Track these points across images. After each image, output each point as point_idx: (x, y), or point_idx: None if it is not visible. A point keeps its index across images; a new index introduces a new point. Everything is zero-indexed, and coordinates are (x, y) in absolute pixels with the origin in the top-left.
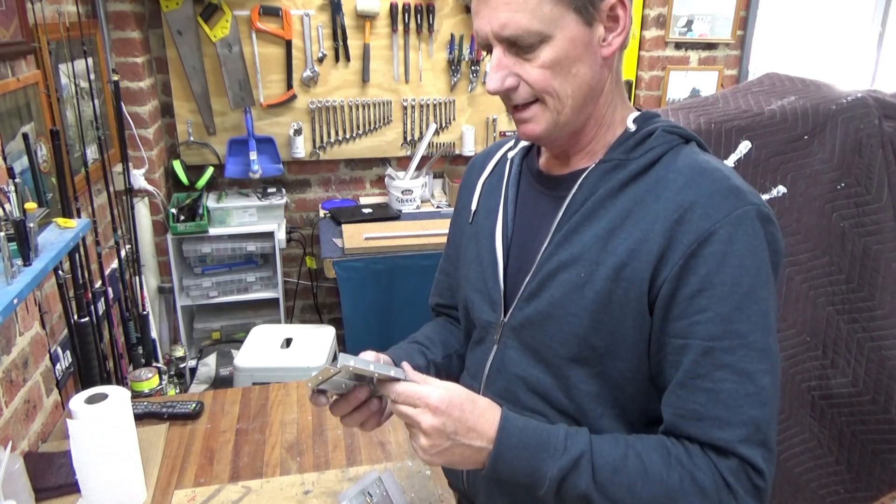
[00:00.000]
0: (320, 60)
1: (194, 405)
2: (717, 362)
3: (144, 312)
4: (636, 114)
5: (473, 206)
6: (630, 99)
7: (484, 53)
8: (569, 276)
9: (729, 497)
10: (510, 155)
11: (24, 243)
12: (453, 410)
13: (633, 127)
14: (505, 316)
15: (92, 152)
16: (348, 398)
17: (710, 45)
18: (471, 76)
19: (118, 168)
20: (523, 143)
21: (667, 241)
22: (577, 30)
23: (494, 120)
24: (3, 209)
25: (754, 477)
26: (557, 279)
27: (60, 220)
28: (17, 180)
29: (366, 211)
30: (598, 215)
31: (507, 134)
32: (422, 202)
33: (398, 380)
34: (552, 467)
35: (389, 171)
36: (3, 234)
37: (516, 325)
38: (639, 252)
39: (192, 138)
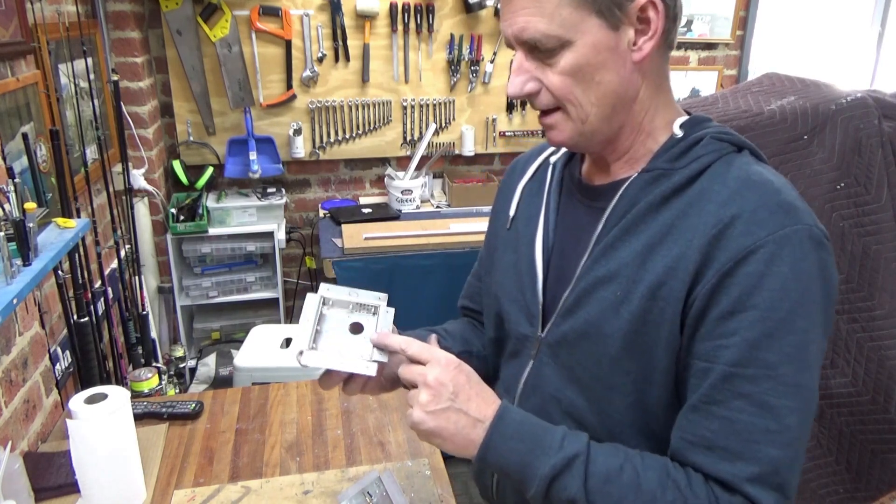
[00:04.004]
0: (320, 60)
1: (194, 405)
2: (737, 390)
3: (144, 312)
4: (684, 118)
5: (512, 212)
6: None
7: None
8: (605, 293)
9: None
10: (552, 160)
11: (23, 243)
12: (460, 374)
13: (679, 133)
14: (542, 331)
15: (91, 152)
16: (329, 379)
17: (709, 45)
18: (470, 76)
19: (118, 168)
20: (564, 149)
21: (703, 258)
22: (601, 35)
23: (494, 120)
24: (3, 209)
25: None
26: (594, 296)
27: (60, 220)
28: (16, 180)
29: (365, 211)
30: (637, 230)
31: (506, 134)
32: (421, 202)
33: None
34: (544, 464)
35: (389, 171)
36: (2, 233)
37: (553, 342)
38: (676, 270)
39: (191, 138)
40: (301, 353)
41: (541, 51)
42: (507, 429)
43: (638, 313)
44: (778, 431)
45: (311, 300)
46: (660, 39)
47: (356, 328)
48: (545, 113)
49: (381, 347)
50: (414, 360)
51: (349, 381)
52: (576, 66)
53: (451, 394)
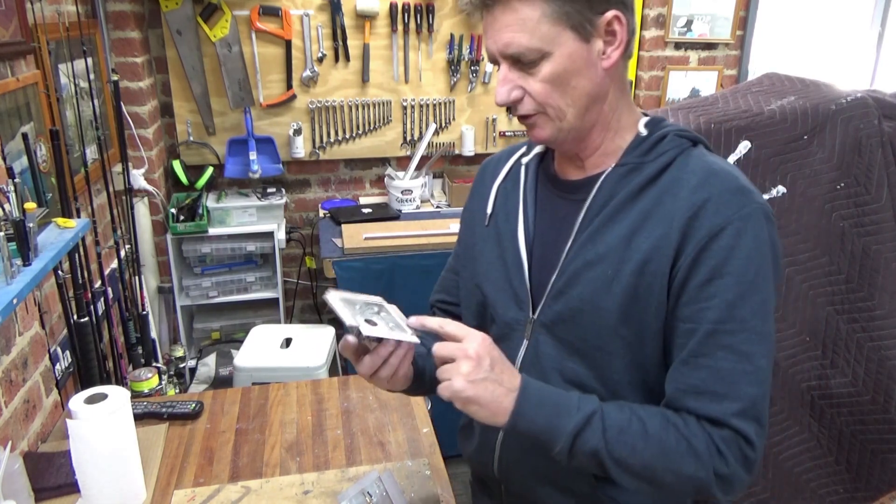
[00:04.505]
0: (320, 60)
1: (194, 405)
2: (720, 343)
3: (144, 312)
4: (646, 119)
5: (489, 210)
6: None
7: (491, 65)
8: (596, 273)
9: (721, 463)
10: (524, 161)
11: (23, 243)
12: (493, 349)
13: (644, 131)
14: (533, 313)
15: (91, 152)
16: (377, 353)
17: (709, 45)
18: (470, 76)
19: (118, 168)
20: (537, 150)
21: (682, 236)
22: (575, 46)
23: (494, 120)
24: (3, 209)
25: (745, 448)
26: (585, 277)
27: (60, 220)
28: (16, 180)
29: (365, 211)
30: (619, 217)
31: (506, 134)
32: (421, 202)
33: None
34: (568, 423)
35: (389, 171)
36: (2, 234)
37: (547, 322)
38: (660, 248)
39: (191, 138)
40: (359, 328)
41: (523, 63)
42: (532, 396)
43: (629, 288)
44: (753, 373)
45: (334, 297)
46: (624, 49)
47: (371, 323)
48: (527, 116)
49: (418, 328)
50: (448, 338)
51: (378, 372)
52: (554, 74)
53: (489, 365)
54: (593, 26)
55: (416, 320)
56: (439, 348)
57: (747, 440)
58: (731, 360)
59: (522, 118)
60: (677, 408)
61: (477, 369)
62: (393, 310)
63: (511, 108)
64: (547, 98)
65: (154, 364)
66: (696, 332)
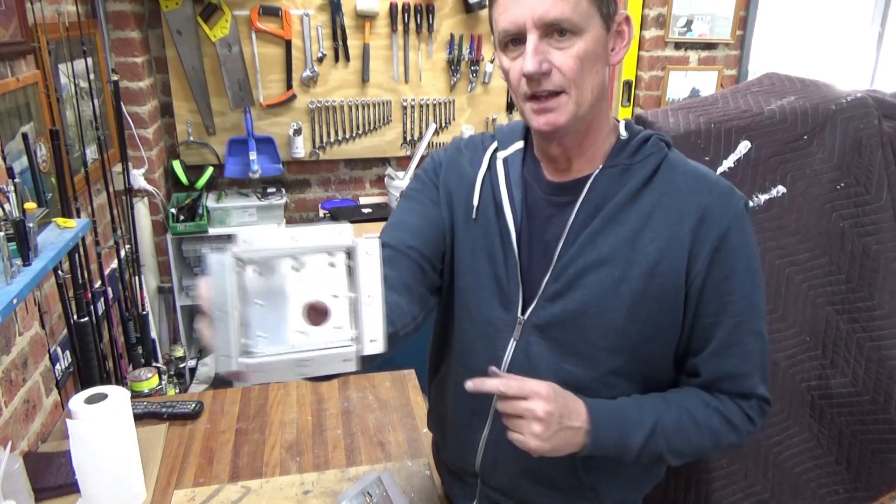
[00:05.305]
0: (320, 60)
1: (194, 405)
2: (745, 330)
3: (144, 312)
4: (623, 122)
5: (475, 202)
6: (630, 99)
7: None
8: (601, 276)
9: (751, 426)
10: (501, 156)
11: (23, 243)
12: (558, 398)
13: (625, 134)
14: (523, 314)
15: (91, 152)
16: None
17: (709, 45)
18: (470, 76)
19: (118, 168)
20: (515, 147)
21: (693, 239)
22: (601, 32)
23: (494, 120)
24: (3, 209)
25: (765, 406)
26: (587, 279)
27: (60, 220)
28: (16, 180)
29: (365, 211)
30: (619, 219)
31: None
32: None
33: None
34: (637, 440)
35: (389, 171)
36: (2, 233)
37: (541, 324)
38: (670, 250)
39: (191, 138)
40: (227, 361)
41: (558, 34)
42: (600, 425)
43: (639, 289)
44: (763, 346)
45: (218, 269)
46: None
47: (317, 308)
48: (545, 98)
49: (475, 391)
50: (511, 397)
51: None
52: (585, 53)
53: (559, 418)
54: (612, 20)
55: (473, 384)
56: (506, 408)
57: (766, 400)
58: (752, 342)
59: (540, 100)
60: (711, 390)
61: (549, 427)
62: (368, 267)
63: (531, 82)
64: (576, 75)
65: (154, 364)
66: (721, 324)
